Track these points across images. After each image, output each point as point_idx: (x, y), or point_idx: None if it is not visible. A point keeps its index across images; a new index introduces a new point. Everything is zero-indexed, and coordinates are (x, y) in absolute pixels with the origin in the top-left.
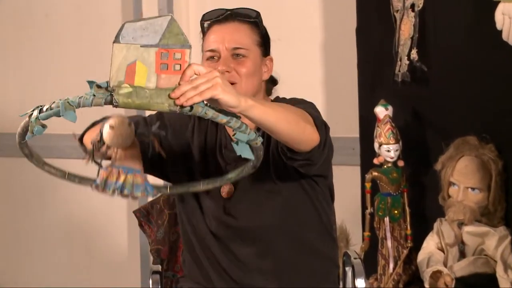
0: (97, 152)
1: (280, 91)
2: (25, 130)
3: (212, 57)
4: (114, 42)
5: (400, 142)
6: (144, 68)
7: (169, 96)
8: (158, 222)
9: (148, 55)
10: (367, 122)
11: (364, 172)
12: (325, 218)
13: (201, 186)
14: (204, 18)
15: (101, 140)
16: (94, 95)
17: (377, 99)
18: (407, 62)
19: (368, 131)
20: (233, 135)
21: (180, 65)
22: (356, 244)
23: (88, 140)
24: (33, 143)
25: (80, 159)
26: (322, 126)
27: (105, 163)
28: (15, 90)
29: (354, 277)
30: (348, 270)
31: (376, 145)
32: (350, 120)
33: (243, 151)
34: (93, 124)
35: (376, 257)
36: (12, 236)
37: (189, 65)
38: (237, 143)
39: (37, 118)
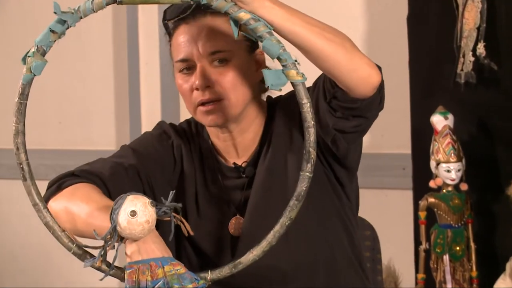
0: (109, 249)
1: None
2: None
3: (185, 69)
4: None
5: (463, 160)
6: None
7: None
8: None
9: None
10: (421, 135)
11: (417, 198)
12: (356, 241)
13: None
14: (166, 17)
15: (114, 235)
16: None
17: (433, 106)
18: (472, 58)
19: (422, 146)
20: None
21: None
22: None
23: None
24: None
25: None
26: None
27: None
28: None
29: None
30: None
31: (432, 164)
32: (399, 133)
33: (274, 79)
34: (59, 187)
35: None
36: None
37: None
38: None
39: (35, 50)
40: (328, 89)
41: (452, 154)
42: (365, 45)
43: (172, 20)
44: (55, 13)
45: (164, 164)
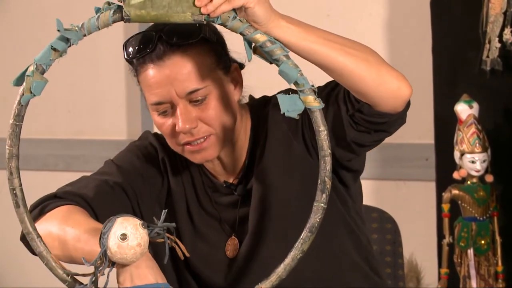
0: (100, 275)
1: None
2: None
3: (163, 112)
4: None
5: (489, 151)
6: None
7: (193, 3)
8: None
9: None
10: (445, 125)
11: (440, 190)
12: (363, 241)
13: None
14: (129, 55)
15: (105, 260)
16: (100, 11)
17: (458, 94)
18: (498, 45)
19: (446, 136)
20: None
21: None
22: (430, 284)
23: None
24: None
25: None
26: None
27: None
28: None
29: None
30: None
31: (456, 155)
32: (422, 122)
33: (290, 104)
34: (41, 211)
35: None
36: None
37: None
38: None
39: (35, 69)
40: (352, 102)
41: (477, 144)
42: (387, 31)
43: (135, 58)
44: (58, 30)
45: (151, 180)
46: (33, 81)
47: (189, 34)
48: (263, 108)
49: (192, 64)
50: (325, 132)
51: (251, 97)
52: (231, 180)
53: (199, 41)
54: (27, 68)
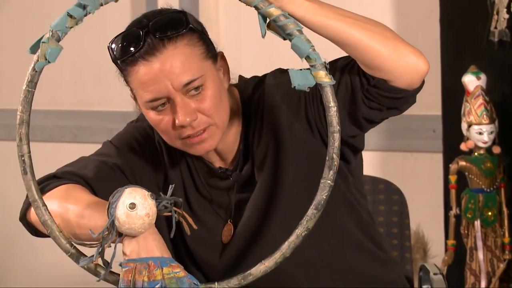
0: (106, 247)
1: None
2: None
3: (159, 106)
4: None
5: (496, 122)
6: None
7: None
8: None
9: None
10: (452, 96)
11: (447, 161)
12: (364, 217)
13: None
14: (118, 57)
15: (112, 231)
16: None
17: (465, 66)
18: (507, 16)
19: (453, 107)
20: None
21: None
22: (437, 255)
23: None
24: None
25: (75, 143)
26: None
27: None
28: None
29: None
30: None
31: (464, 126)
32: (429, 94)
33: (301, 79)
34: (41, 191)
35: (464, 272)
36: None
37: None
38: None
39: (50, 36)
40: (366, 77)
41: (485, 116)
42: (395, 2)
43: (124, 58)
44: None
45: (150, 162)
46: (48, 48)
47: (177, 25)
48: (254, 91)
49: (184, 56)
50: (335, 108)
51: (240, 77)
52: (226, 166)
53: (188, 31)
54: (44, 35)
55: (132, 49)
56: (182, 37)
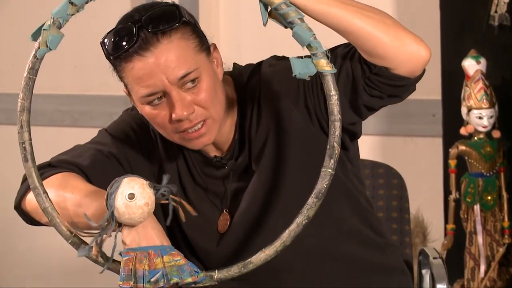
0: (106, 238)
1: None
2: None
3: (155, 100)
4: None
5: (496, 106)
6: None
7: None
8: None
9: None
10: (452, 80)
11: (447, 145)
12: (362, 205)
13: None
14: (112, 53)
15: (112, 221)
16: None
17: (465, 50)
18: (507, 0)
19: (453, 92)
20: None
21: None
22: (436, 240)
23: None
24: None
25: (76, 127)
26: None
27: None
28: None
29: (433, 282)
30: (426, 273)
31: (464, 110)
32: (429, 78)
33: (302, 67)
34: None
35: (463, 256)
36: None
37: None
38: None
39: (51, 23)
40: (368, 64)
41: (484, 100)
42: None
43: (118, 54)
44: None
45: (145, 151)
46: (49, 35)
47: (170, 18)
48: (249, 79)
49: (179, 49)
50: (336, 96)
51: (235, 65)
52: (221, 155)
53: (181, 24)
54: (45, 22)
55: (125, 44)
56: (176, 31)
